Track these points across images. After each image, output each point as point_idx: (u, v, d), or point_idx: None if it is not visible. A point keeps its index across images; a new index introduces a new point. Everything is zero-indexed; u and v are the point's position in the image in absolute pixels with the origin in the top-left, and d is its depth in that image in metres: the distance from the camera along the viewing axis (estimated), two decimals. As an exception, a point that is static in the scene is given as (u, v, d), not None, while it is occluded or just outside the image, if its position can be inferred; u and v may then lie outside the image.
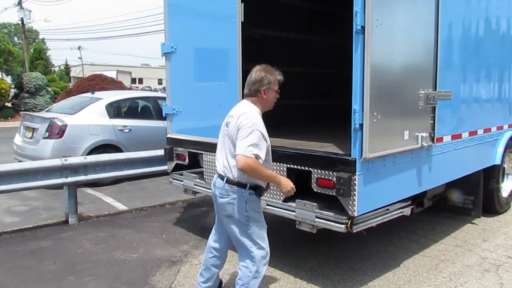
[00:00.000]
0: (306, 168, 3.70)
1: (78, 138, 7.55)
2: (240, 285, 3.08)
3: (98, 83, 19.76)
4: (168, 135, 5.24)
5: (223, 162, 3.07)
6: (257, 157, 2.82)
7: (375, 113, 3.31)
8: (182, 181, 5.13)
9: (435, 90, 3.96)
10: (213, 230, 3.42)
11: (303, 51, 6.61)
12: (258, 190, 3.05)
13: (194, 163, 5.01)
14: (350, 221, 3.41)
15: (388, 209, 3.76)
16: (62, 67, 46.79)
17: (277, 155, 3.95)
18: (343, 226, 3.43)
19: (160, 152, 5.46)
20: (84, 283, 3.95)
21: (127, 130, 8.11)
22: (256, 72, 3.07)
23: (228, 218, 3.08)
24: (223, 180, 3.03)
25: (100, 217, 5.97)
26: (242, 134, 2.85)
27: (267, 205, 4.06)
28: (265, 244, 3.11)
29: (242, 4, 4.13)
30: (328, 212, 3.56)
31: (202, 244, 4.87)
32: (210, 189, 4.64)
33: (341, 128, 4.10)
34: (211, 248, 3.39)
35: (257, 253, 3.06)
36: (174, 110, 5.10)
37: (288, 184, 3.06)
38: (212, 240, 3.41)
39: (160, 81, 60.04)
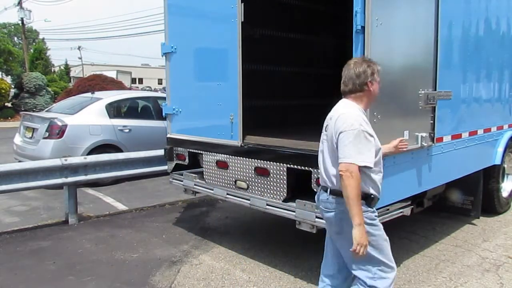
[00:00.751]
0: (306, 168, 3.70)
1: (78, 138, 7.54)
2: None
3: (98, 83, 19.77)
4: (168, 135, 5.24)
5: (324, 172, 2.72)
6: (365, 166, 2.49)
7: (375, 113, 3.31)
8: (182, 181, 5.13)
9: (435, 90, 3.96)
10: (324, 254, 2.99)
11: (303, 51, 6.61)
12: (368, 200, 2.61)
13: (194, 163, 5.01)
14: (350, 221, 3.41)
15: (388, 209, 3.76)
16: (62, 67, 46.79)
17: (277, 155, 3.96)
18: (343, 226, 3.42)
19: (160, 152, 5.46)
20: (84, 283, 3.95)
21: (127, 130, 8.11)
22: (356, 65, 2.70)
23: (338, 234, 2.70)
24: (327, 192, 2.69)
25: (100, 217, 5.97)
26: (345, 139, 2.50)
27: (267, 205, 4.07)
28: (387, 258, 2.68)
29: (242, 4, 4.13)
30: (328, 212, 3.55)
31: (202, 244, 4.88)
32: (210, 189, 4.71)
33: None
34: (323, 276, 2.95)
35: (378, 273, 2.66)
36: (174, 110, 5.10)
37: (361, 240, 2.45)
38: (323, 267, 2.97)
39: (160, 81, 60.03)
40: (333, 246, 2.85)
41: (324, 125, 2.78)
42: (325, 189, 2.72)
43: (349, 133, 2.49)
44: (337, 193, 2.61)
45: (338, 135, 2.54)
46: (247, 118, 4.32)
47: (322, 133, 2.80)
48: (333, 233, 2.74)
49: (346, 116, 2.57)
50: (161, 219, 5.86)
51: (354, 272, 2.73)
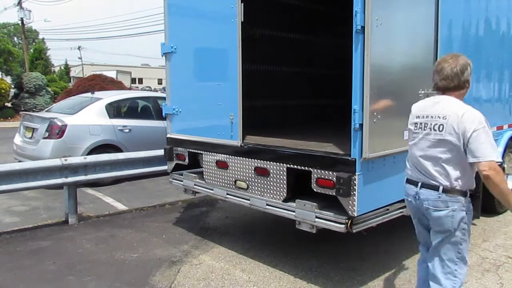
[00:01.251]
0: (306, 168, 3.70)
1: (78, 138, 7.54)
2: None
3: (98, 83, 19.77)
4: (168, 135, 5.24)
5: (434, 170, 2.64)
6: (497, 162, 2.48)
7: (375, 113, 3.32)
8: (182, 181, 5.13)
9: (435, 90, 3.96)
10: (422, 255, 3.04)
11: (303, 51, 6.61)
12: (473, 198, 2.70)
13: (194, 163, 5.01)
14: (350, 221, 3.41)
15: (388, 209, 3.76)
16: (62, 67, 46.79)
17: (277, 155, 3.96)
18: (343, 226, 3.43)
19: (160, 152, 5.46)
20: (84, 283, 3.95)
21: (127, 130, 8.11)
22: (457, 61, 2.67)
23: (442, 233, 2.69)
24: (438, 190, 2.63)
25: (100, 217, 5.97)
26: (479, 137, 2.46)
27: (267, 205, 4.07)
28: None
29: (242, 4, 4.13)
30: (328, 212, 3.56)
31: (202, 244, 4.88)
32: (210, 189, 4.71)
33: (341, 128, 4.10)
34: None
35: (463, 271, 2.70)
36: (174, 110, 5.10)
37: None
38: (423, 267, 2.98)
39: (160, 81, 60.06)
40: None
41: (424, 122, 2.70)
42: (433, 187, 2.65)
43: (482, 131, 2.48)
44: (453, 191, 2.61)
45: (471, 134, 2.48)
46: (247, 118, 4.32)
47: (417, 131, 2.75)
48: (438, 232, 2.71)
49: (472, 115, 2.53)
50: (161, 219, 5.86)
51: (436, 269, 2.73)
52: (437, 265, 2.73)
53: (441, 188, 2.62)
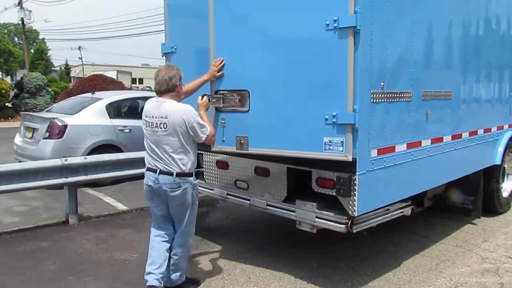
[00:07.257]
0: (306, 168, 3.70)
1: (78, 138, 7.54)
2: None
3: (98, 83, 19.76)
4: (168, 135, 5.22)
5: (167, 159, 3.52)
6: None
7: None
8: (182, 181, 5.12)
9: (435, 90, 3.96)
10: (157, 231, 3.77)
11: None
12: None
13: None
14: (350, 221, 3.41)
15: (388, 209, 3.77)
16: (62, 67, 46.81)
17: (277, 155, 3.95)
18: (343, 226, 3.43)
19: (160, 152, 5.45)
20: (84, 283, 3.95)
21: (127, 130, 8.11)
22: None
23: (181, 205, 3.58)
24: (172, 175, 3.49)
25: (100, 217, 5.97)
26: (199, 120, 3.54)
27: (267, 205, 4.07)
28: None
29: (242, 4, 4.11)
30: (328, 212, 3.56)
31: (202, 244, 4.88)
32: (211, 189, 4.71)
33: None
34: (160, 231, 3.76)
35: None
36: (174, 110, 5.08)
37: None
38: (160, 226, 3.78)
39: (160, 81, 59.76)
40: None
41: (153, 123, 3.58)
42: (168, 173, 3.41)
43: (198, 117, 3.52)
44: (183, 175, 3.43)
45: (193, 121, 3.41)
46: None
47: (153, 130, 3.62)
48: (174, 205, 3.52)
49: (187, 108, 3.46)
50: (161, 219, 5.85)
51: (181, 237, 3.64)
52: (184, 233, 3.60)
53: (174, 173, 3.37)
